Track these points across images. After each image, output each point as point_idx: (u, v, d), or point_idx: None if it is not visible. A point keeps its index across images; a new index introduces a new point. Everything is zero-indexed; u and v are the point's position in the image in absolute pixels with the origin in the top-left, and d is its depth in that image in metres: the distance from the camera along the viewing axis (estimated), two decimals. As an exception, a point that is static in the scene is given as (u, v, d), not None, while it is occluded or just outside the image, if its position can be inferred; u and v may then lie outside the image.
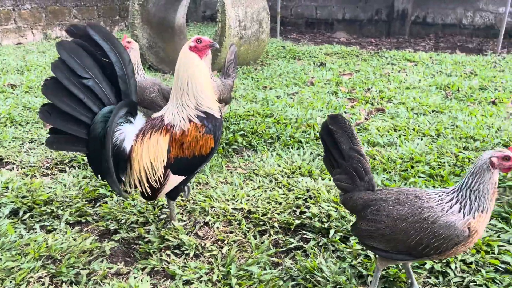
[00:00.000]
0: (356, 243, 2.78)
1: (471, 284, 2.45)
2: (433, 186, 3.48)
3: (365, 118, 5.19)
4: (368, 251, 2.71)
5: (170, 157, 2.66)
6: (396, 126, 4.87)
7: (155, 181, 2.67)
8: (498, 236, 2.86)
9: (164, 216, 3.19)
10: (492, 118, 5.03)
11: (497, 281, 2.47)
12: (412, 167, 3.83)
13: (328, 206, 3.22)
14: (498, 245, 2.75)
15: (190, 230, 3.03)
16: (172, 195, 2.91)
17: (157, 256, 2.76)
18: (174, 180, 2.74)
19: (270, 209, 3.23)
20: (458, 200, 2.06)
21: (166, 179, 2.70)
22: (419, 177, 3.66)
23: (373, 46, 10.54)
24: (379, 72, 7.47)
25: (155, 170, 2.66)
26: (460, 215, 2.03)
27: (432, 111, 5.42)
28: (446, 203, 2.08)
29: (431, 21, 11.82)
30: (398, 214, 2.11)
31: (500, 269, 2.57)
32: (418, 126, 4.86)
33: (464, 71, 7.34)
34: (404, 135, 4.59)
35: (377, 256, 2.32)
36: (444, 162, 3.87)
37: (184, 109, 2.68)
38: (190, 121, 2.65)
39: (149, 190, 2.71)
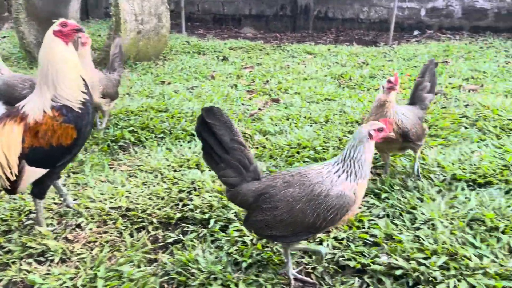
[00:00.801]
0: (255, 236, 2.71)
1: (340, 258, 2.53)
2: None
3: (259, 109, 5.23)
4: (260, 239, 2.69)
5: (25, 146, 2.45)
6: (289, 115, 4.96)
7: (10, 172, 2.45)
8: (370, 212, 3.00)
9: (30, 222, 2.91)
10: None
11: (365, 254, 2.57)
12: (298, 152, 3.91)
13: (211, 196, 3.16)
14: (369, 220, 2.88)
15: (59, 234, 2.79)
16: (36, 192, 2.68)
17: (16, 266, 2.49)
18: (33, 172, 2.52)
19: (150, 204, 3.09)
20: (344, 170, 2.18)
21: (22, 171, 2.48)
22: (304, 161, 3.74)
23: (277, 41, 10.77)
24: (279, 65, 7.61)
25: (7, 160, 2.43)
26: (347, 183, 2.15)
27: (325, 99, 5.61)
28: (333, 173, 2.18)
29: (332, 16, 12.35)
30: (291, 196, 2.13)
31: (369, 242, 2.69)
32: (310, 114, 4.99)
33: (357, 61, 7.74)
34: (295, 123, 4.69)
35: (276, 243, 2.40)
36: (329, 146, 4.00)
37: (41, 97, 2.49)
38: (44, 110, 2.45)
39: (7, 182, 2.49)
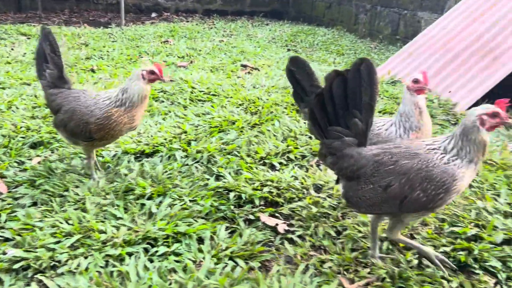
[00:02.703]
0: None
1: None
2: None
3: None
4: None
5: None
6: (-36, 105, 4.14)
7: None
8: (18, 203, 2.66)
9: None
10: (82, 84, 5.00)
11: None
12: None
13: None
14: (8, 213, 2.53)
15: None
16: None
17: None
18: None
19: None
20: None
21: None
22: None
23: (-8, 22, 9.20)
24: (-22, 48, 6.43)
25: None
26: None
27: (22, 84, 4.95)
28: None
29: (65, -4, 11.32)
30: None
31: (1, 238, 2.35)
32: (-7, 101, 4.29)
33: (77, 42, 7.22)
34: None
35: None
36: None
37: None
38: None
39: None
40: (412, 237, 2.50)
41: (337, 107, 2.13)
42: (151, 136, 3.63)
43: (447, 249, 2.37)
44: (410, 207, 2.06)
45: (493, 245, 2.39)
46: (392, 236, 2.24)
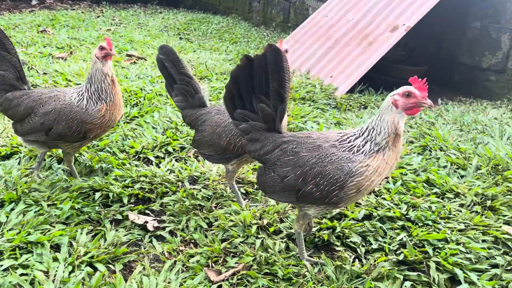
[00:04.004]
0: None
1: None
2: None
3: None
4: None
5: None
6: None
7: None
8: None
9: None
10: None
11: None
12: None
13: None
14: None
15: None
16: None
17: None
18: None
19: None
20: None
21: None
22: None
23: None
24: None
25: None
26: None
27: None
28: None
29: None
30: (215, 122, 2.50)
31: None
32: None
33: None
34: None
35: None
36: None
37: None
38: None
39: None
40: (281, 220, 2.54)
41: (242, 91, 2.09)
42: (10, 136, 3.25)
43: (314, 230, 2.43)
44: (305, 200, 2.04)
45: (355, 221, 2.51)
46: (296, 228, 2.18)
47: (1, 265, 2.01)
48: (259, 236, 2.37)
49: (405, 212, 2.58)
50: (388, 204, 2.64)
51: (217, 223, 2.45)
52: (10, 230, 2.23)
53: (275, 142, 2.10)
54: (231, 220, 2.47)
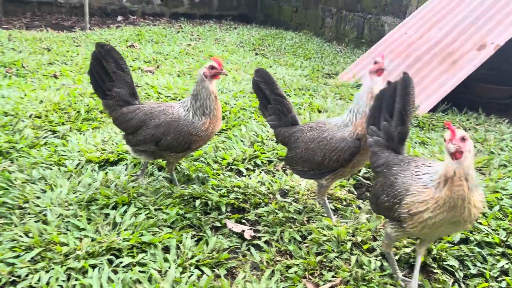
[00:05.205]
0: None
1: None
2: None
3: None
4: None
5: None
6: None
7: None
8: (-25, 216, 2.56)
9: None
10: (44, 91, 4.85)
11: None
12: None
13: None
14: (-34, 227, 2.44)
15: None
16: None
17: None
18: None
19: None
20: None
21: None
22: None
23: None
24: None
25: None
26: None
27: (-20, 92, 4.76)
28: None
29: (26, -1, 10.98)
30: (309, 139, 2.63)
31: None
32: None
33: (39, 47, 7.01)
34: None
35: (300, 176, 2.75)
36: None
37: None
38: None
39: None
40: (375, 239, 2.57)
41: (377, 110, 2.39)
42: (116, 143, 3.57)
43: (408, 250, 2.44)
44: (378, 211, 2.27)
45: (451, 245, 2.48)
46: (384, 248, 2.25)
47: (121, 262, 2.24)
48: (354, 252, 2.42)
49: (504, 239, 2.51)
50: (485, 229, 2.58)
51: (311, 237, 2.53)
52: (125, 230, 2.47)
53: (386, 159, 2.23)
54: (324, 235, 2.55)
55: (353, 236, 2.54)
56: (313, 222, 2.72)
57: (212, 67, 2.77)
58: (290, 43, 9.08)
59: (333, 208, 2.91)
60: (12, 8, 10.89)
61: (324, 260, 2.36)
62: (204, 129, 2.78)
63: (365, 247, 2.46)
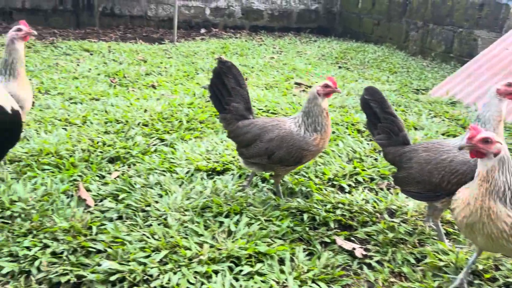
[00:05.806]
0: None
1: (53, 275, 2.26)
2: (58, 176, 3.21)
3: None
4: None
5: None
6: (42, 119, 4.41)
7: None
8: (104, 216, 2.81)
9: None
10: (146, 100, 5.21)
11: (86, 264, 2.36)
12: (38, 160, 3.46)
13: None
14: (98, 226, 2.68)
15: None
16: None
17: None
18: None
19: None
20: None
21: None
22: (42, 169, 3.33)
23: (55, 37, 9.75)
24: (47, 63, 6.83)
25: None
26: None
27: (91, 99, 5.22)
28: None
29: (119, 13, 11.83)
30: (424, 160, 2.58)
31: (93, 250, 2.49)
32: (68, 115, 4.55)
33: (136, 58, 7.53)
34: (45, 127, 4.19)
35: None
36: (75, 150, 3.67)
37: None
38: None
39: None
40: (497, 268, 2.45)
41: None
42: (220, 153, 3.74)
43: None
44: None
45: None
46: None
47: (241, 270, 2.34)
48: (474, 282, 2.33)
49: None
50: None
51: (427, 261, 2.47)
52: (240, 239, 2.58)
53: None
54: (441, 259, 2.47)
55: (472, 263, 2.44)
56: (426, 245, 2.65)
57: (326, 86, 2.83)
58: (373, 56, 8.94)
59: (445, 231, 2.81)
60: (107, 21, 11.80)
61: (443, 286, 2.30)
62: (315, 144, 2.83)
63: (486, 276, 2.36)
